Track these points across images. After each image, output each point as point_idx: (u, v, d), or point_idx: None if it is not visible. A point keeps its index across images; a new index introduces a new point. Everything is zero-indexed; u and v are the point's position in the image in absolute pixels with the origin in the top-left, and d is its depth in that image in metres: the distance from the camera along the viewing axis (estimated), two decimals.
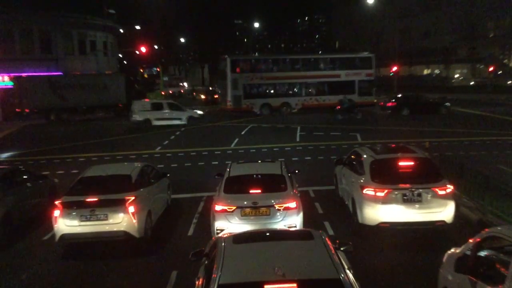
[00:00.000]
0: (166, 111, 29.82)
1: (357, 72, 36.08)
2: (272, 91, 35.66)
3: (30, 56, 40.76)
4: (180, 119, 29.84)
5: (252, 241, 5.89)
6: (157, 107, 30.00)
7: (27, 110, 34.52)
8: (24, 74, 37.75)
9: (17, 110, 34.72)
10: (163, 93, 53.41)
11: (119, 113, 37.38)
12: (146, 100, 33.35)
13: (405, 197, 9.49)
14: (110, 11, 51.47)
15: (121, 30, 59.55)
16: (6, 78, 38.67)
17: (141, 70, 73.94)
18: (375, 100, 36.47)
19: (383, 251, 9.26)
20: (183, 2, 76.30)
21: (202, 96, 51.01)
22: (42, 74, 39.22)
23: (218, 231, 8.88)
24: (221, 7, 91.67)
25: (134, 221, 9.41)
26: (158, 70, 68.15)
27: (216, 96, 46.56)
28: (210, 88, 54.92)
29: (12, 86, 36.71)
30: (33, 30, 41.17)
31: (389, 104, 33.18)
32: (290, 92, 35.76)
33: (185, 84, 73.29)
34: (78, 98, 36.36)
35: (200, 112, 31.95)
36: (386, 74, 68.52)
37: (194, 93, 59.47)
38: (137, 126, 28.99)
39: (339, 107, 31.78)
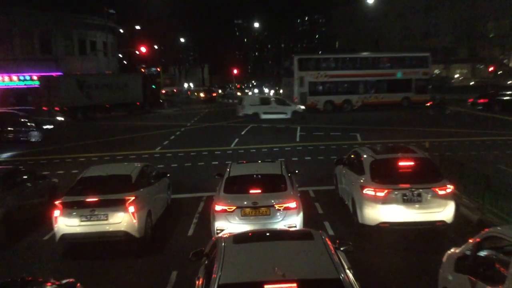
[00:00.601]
0: (273, 105, 32.21)
1: (415, 70, 37.38)
2: (335, 89, 37.07)
3: (30, 56, 40.75)
4: (285, 113, 31.72)
5: (252, 241, 5.89)
6: (265, 102, 32.81)
7: (57, 109, 35.27)
8: (54, 74, 39.00)
9: (44, 108, 35.29)
10: (163, 91, 54.27)
11: (136, 111, 39.72)
12: (255, 95, 35.79)
13: (405, 197, 9.49)
14: (110, 11, 51.41)
15: (121, 30, 59.53)
16: (34, 77, 39.84)
17: (142, 70, 74.23)
18: (429, 98, 37.52)
19: (383, 251, 9.27)
20: (183, 2, 76.31)
21: (202, 95, 52.88)
22: (41, 74, 39.28)
23: (218, 231, 8.88)
24: (221, 7, 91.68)
25: (134, 221, 9.42)
26: (158, 70, 68.41)
27: (214, 94, 48.27)
28: (208, 88, 56.50)
29: (38, 85, 37.69)
30: (33, 30, 41.16)
31: (481, 100, 33.25)
32: (352, 89, 37.09)
33: (188, 84, 73.96)
34: (102, 96, 38.02)
35: (302, 107, 33.57)
36: None
37: (189, 92, 60.39)
38: (246, 119, 31.09)
39: (431, 102, 33.80)
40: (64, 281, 6.25)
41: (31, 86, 39.20)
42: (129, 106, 40.26)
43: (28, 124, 25.91)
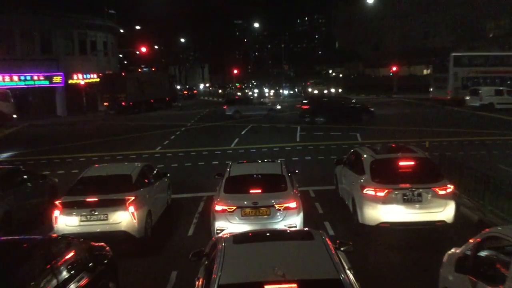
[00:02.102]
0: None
1: None
2: (484, 83, 38.67)
3: (31, 56, 40.65)
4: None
5: (252, 241, 5.89)
6: (499, 93, 34.30)
7: (123, 104, 38.95)
8: (111, 72, 43.58)
9: (104, 103, 39.93)
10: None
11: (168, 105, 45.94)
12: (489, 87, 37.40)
13: (405, 197, 9.49)
14: (110, 11, 51.41)
15: (121, 30, 59.48)
16: (94, 75, 42.43)
17: (139, 70, 74.95)
18: None
19: (383, 251, 9.26)
20: (183, 2, 76.24)
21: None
22: (41, 74, 39.28)
23: (218, 231, 8.87)
24: (221, 7, 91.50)
25: (134, 221, 9.41)
26: (153, 70, 69.31)
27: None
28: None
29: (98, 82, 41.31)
30: (33, 30, 41.06)
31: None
32: (499, 84, 38.48)
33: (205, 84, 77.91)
34: (150, 92, 42.84)
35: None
36: (385, 74, 68.54)
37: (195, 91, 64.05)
38: (480, 110, 32.68)
39: None
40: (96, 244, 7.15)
41: (31, 86, 39.18)
42: (164, 101, 45.71)
43: None
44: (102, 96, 40.41)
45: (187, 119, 34.10)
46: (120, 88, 38.54)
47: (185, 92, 64.33)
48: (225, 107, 36.05)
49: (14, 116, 34.24)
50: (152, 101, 43.20)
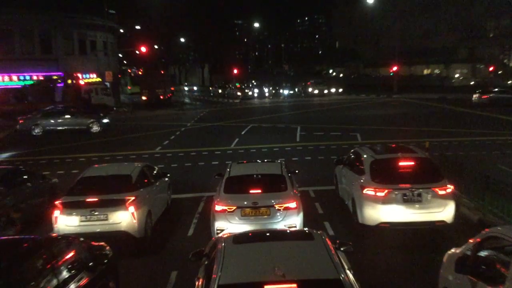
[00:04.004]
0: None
1: None
2: None
3: (31, 56, 40.69)
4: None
5: (252, 241, 5.89)
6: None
7: (162, 97, 46.22)
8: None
9: (145, 98, 45.71)
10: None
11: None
12: None
13: (405, 197, 9.49)
14: (110, 11, 51.41)
15: (121, 30, 59.51)
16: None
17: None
18: None
19: (383, 251, 9.26)
20: (183, 2, 76.11)
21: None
22: (41, 74, 39.29)
23: (218, 231, 8.87)
24: (221, 7, 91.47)
25: (134, 221, 9.41)
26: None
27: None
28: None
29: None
30: (33, 30, 41.12)
31: None
32: None
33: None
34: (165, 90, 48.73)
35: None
36: (385, 74, 68.50)
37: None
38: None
39: None
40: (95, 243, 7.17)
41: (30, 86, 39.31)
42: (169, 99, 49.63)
43: None
44: (142, 91, 47.21)
45: (187, 119, 34.10)
46: (159, 84, 46.71)
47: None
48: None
49: (114, 108, 40.40)
50: (162, 97, 47.45)
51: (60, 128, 28.07)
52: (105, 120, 29.33)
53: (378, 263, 8.71)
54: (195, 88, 78.46)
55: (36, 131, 27.70)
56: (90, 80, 44.55)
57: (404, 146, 11.84)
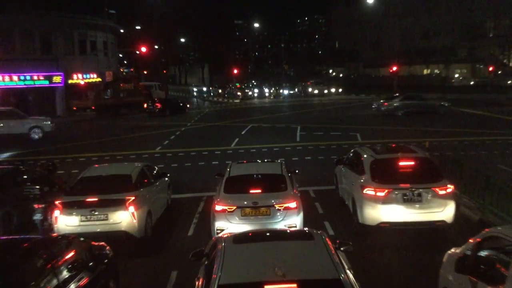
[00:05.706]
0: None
1: None
2: None
3: (31, 56, 40.65)
4: None
5: (252, 241, 5.89)
6: None
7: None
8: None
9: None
10: None
11: None
12: None
13: (405, 197, 9.48)
14: (110, 11, 51.39)
15: (121, 30, 59.48)
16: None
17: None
18: None
19: (383, 251, 9.26)
20: (183, 2, 76.15)
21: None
22: (41, 74, 39.26)
23: (218, 231, 8.87)
24: (221, 7, 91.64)
25: (134, 221, 9.41)
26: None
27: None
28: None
29: None
30: (33, 30, 41.08)
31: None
32: None
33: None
34: None
35: None
36: (385, 74, 68.48)
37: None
38: None
39: None
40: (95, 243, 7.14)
41: (31, 86, 39.17)
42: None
43: None
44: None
45: (187, 119, 34.10)
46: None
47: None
48: None
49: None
50: None
51: None
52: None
53: (378, 263, 8.71)
54: (204, 89, 75.02)
55: None
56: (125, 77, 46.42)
57: (404, 146, 11.84)
